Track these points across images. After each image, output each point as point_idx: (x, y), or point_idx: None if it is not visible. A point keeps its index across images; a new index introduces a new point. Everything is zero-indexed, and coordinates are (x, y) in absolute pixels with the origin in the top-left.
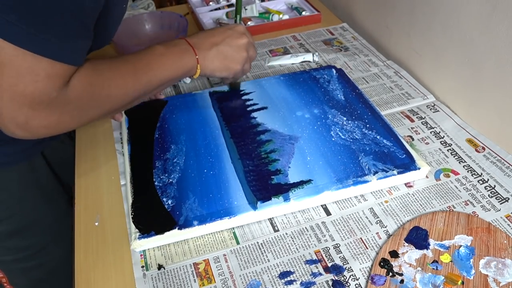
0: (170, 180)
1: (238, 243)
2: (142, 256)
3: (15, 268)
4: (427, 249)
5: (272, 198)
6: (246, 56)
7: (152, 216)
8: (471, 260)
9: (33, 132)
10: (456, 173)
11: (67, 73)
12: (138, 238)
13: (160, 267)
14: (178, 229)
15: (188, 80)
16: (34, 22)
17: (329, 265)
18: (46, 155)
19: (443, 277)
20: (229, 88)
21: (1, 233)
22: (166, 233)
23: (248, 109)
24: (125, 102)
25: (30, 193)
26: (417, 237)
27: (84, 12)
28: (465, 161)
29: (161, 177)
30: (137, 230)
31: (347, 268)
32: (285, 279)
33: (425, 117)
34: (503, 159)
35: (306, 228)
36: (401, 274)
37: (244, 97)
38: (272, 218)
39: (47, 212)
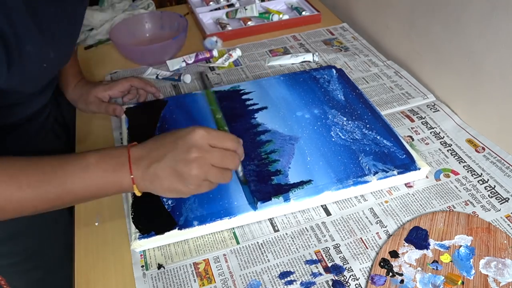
0: None
1: (238, 243)
2: (142, 256)
3: (12, 271)
4: (427, 249)
5: (272, 198)
6: (197, 174)
7: (152, 216)
8: (471, 260)
9: None
10: (456, 173)
11: None
12: (138, 238)
13: (160, 266)
14: (178, 229)
15: (188, 79)
16: None
17: (329, 265)
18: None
19: (443, 277)
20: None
21: None
22: (166, 233)
23: (248, 109)
24: (26, 212)
25: None
26: (417, 237)
27: None
28: (465, 161)
29: None
30: (137, 230)
31: (347, 268)
32: (285, 279)
33: (425, 117)
34: (503, 159)
35: (306, 228)
36: (401, 274)
37: (244, 97)
38: (272, 218)
39: (41, 214)
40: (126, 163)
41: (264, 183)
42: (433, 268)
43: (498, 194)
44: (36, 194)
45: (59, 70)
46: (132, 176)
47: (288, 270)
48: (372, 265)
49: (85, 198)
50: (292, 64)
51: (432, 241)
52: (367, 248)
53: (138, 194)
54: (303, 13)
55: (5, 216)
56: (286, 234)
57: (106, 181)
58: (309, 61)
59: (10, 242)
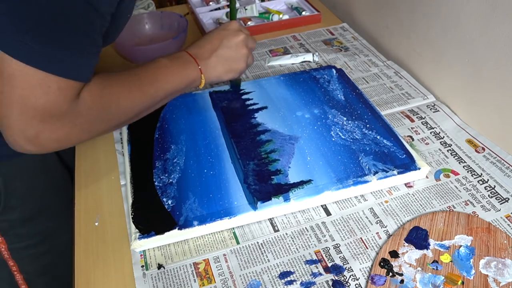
0: (170, 180)
1: (238, 243)
2: (142, 256)
3: (27, 255)
4: (427, 249)
5: (272, 198)
6: (246, 52)
7: (152, 216)
8: (471, 260)
9: (43, 146)
10: (456, 174)
11: (78, 86)
12: (138, 238)
13: (160, 266)
14: (178, 229)
15: None
16: (47, 42)
17: (329, 265)
18: None
19: (443, 277)
20: (230, 85)
21: (14, 221)
22: (166, 233)
23: (248, 109)
24: (133, 114)
25: (40, 180)
26: (417, 237)
27: (95, 30)
28: (465, 162)
29: (161, 177)
30: (137, 230)
31: (347, 268)
32: (285, 279)
33: (425, 117)
34: (503, 160)
35: (306, 228)
36: (401, 274)
37: (244, 97)
38: (272, 218)
39: (55, 198)
40: (191, 60)
41: (264, 183)
42: (433, 268)
43: (498, 194)
44: (142, 92)
45: None
46: (199, 67)
47: (288, 270)
48: (372, 265)
49: (172, 92)
50: (292, 64)
51: (432, 241)
52: (367, 248)
53: (202, 85)
54: (303, 13)
55: (120, 118)
56: (286, 234)
57: (183, 75)
58: (309, 61)
59: (29, 223)
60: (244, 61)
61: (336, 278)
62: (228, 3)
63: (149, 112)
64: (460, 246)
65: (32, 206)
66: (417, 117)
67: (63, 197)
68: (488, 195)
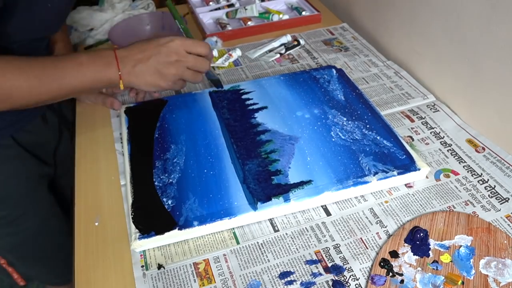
0: (170, 180)
1: (238, 243)
2: (142, 256)
3: None
4: (427, 257)
5: (272, 199)
6: (174, 73)
7: (152, 216)
8: (471, 260)
9: None
10: (456, 174)
11: None
12: (138, 238)
13: (160, 266)
14: (178, 229)
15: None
16: None
17: (329, 265)
18: (16, 138)
19: (443, 277)
20: (212, 83)
21: None
22: (166, 234)
23: (248, 109)
24: (32, 103)
25: (4, 167)
26: (418, 243)
27: None
28: (465, 162)
29: (161, 177)
30: (137, 230)
31: (347, 268)
32: (285, 279)
33: (425, 117)
34: (503, 160)
35: (306, 228)
36: (401, 274)
37: (244, 97)
38: (272, 218)
39: (18, 186)
40: (113, 62)
41: (264, 183)
42: (433, 268)
43: (498, 194)
44: (41, 84)
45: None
46: (119, 73)
47: (288, 270)
48: (372, 265)
49: (81, 90)
50: (275, 52)
51: (432, 241)
52: (367, 248)
53: (122, 88)
54: (303, 13)
55: (13, 105)
56: (286, 234)
57: (97, 76)
58: (285, 43)
59: None
60: (169, 80)
61: (336, 278)
62: (228, 3)
63: (55, 101)
64: (460, 246)
65: None
66: (417, 117)
67: (29, 183)
68: (488, 195)
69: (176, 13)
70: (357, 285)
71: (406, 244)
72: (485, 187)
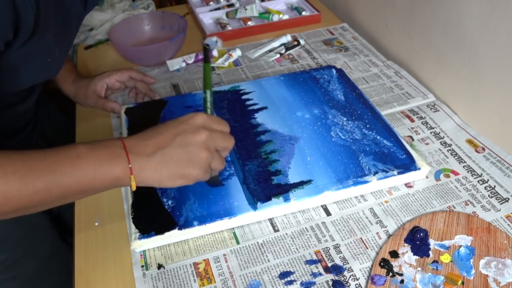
0: None
1: (238, 243)
2: (142, 256)
3: None
4: (427, 257)
5: (272, 199)
6: (206, 156)
7: (152, 217)
8: (471, 260)
9: None
10: (456, 174)
11: None
12: (138, 238)
13: (160, 266)
14: (178, 229)
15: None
16: None
17: (329, 265)
18: None
19: (443, 277)
20: (207, 183)
21: None
22: (166, 234)
23: (248, 109)
24: (8, 210)
25: None
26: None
27: None
28: (465, 162)
29: None
30: (137, 230)
31: (347, 268)
32: (285, 279)
33: (425, 116)
34: (503, 160)
35: (306, 228)
36: (401, 274)
37: (244, 97)
38: (272, 218)
39: (17, 227)
40: (122, 153)
41: (264, 183)
42: (433, 268)
43: (498, 194)
44: (23, 183)
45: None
46: (130, 166)
47: (288, 270)
48: (372, 265)
49: (76, 192)
50: (275, 52)
51: (432, 241)
52: (367, 248)
53: (134, 188)
54: (303, 13)
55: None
56: (286, 234)
57: (99, 172)
58: (285, 43)
59: None
60: (202, 167)
61: (336, 278)
62: (228, 3)
63: (46, 208)
64: (460, 246)
65: None
66: (417, 117)
67: (27, 226)
68: (488, 195)
69: (209, 83)
70: (357, 285)
71: (406, 244)
72: (485, 187)
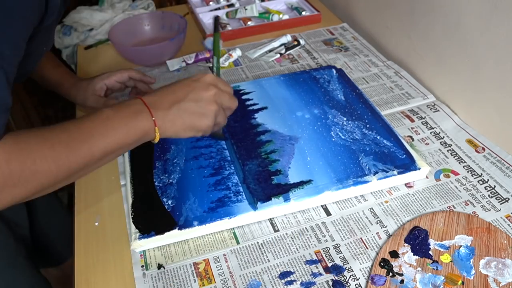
0: (170, 180)
1: (238, 243)
2: (142, 256)
3: None
4: (428, 258)
5: (272, 199)
6: (215, 109)
7: (152, 216)
8: (471, 260)
9: None
10: (456, 174)
11: None
12: (138, 238)
13: (160, 266)
14: (178, 229)
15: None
16: None
17: (329, 265)
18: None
19: (443, 277)
20: (211, 136)
21: None
22: (166, 233)
23: (248, 109)
24: (62, 177)
25: None
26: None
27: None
28: (465, 162)
29: (161, 177)
30: (137, 230)
31: (347, 268)
32: (285, 279)
33: (425, 117)
34: (503, 160)
35: (306, 228)
36: (401, 274)
37: (244, 97)
38: (272, 218)
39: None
40: (144, 109)
41: (264, 183)
42: (433, 268)
43: (498, 194)
44: (69, 151)
45: (53, 71)
46: (153, 119)
47: (288, 270)
48: (372, 265)
49: (113, 149)
50: (275, 52)
51: (432, 241)
52: (367, 248)
53: (157, 139)
54: (303, 13)
55: (39, 185)
56: (286, 234)
57: (130, 127)
58: (285, 43)
59: None
60: (211, 119)
61: (336, 278)
62: (228, 3)
63: (92, 171)
64: (460, 246)
65: None
66: (417, 117)
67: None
68: (488, 195)
69: (218, 50)
70: (357, 285)
71: (406, 244)
72: (485, 187)
